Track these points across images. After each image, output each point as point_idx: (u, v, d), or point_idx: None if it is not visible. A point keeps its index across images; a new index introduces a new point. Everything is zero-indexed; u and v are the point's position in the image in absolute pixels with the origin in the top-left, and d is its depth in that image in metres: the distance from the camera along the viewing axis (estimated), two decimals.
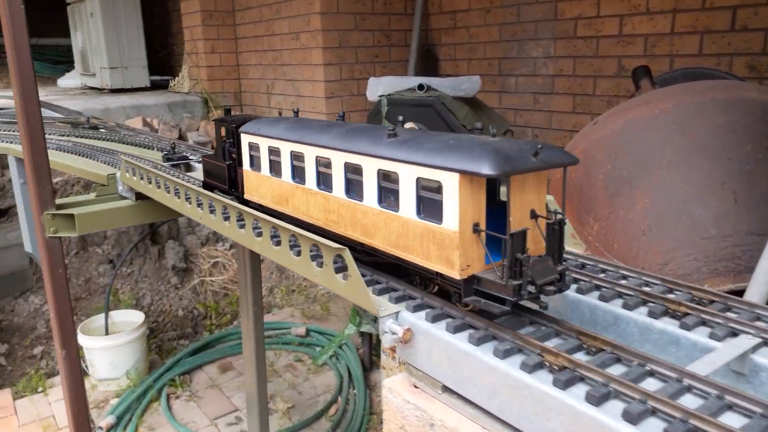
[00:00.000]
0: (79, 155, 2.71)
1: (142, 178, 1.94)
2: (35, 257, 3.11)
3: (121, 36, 6.76)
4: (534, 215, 0.95)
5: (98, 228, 2.02)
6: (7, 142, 3.03)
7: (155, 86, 7.22)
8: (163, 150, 2.62)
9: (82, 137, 3.37)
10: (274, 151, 1.28)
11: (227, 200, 1.44)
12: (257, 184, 1.38)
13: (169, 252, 5.08)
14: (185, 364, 4.14)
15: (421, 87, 3.66)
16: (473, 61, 5.10)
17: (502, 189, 1.01)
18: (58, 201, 1.98)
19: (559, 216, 0.93)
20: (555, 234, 0.93)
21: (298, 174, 1.22)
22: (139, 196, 2.05)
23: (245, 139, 1.39)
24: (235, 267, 5.04)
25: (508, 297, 0.90)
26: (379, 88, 3.90)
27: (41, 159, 1.88)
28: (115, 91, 6.84)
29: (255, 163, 1.38)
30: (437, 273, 1.00)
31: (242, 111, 6.27)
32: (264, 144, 1.30)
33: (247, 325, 2.36)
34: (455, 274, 0.93)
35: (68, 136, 3.36)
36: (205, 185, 1.73)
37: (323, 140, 1.13)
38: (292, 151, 1.21)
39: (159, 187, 1.84)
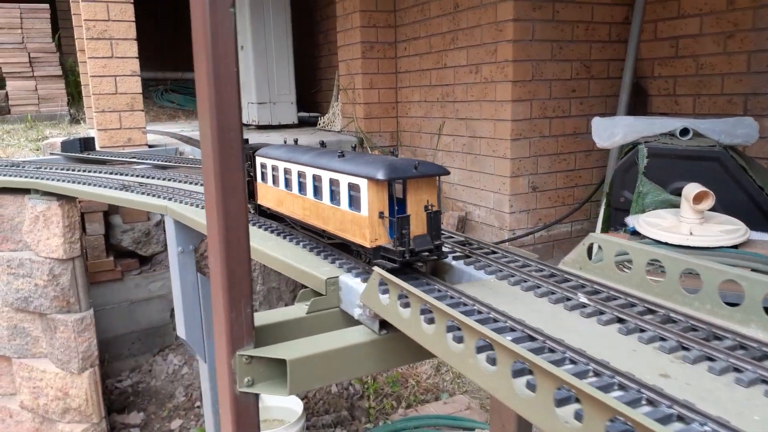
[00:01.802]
0: (285, 236, 1.78)
1: (405, 304, 1.15)
2: (191, 349, 2.44)
3: (271, 70, 6.36)
4: (426, 208, 1.34)
5: (321, 383, 1.22)
6: (162, 197, 2.41)
7: (302, 123, 6.75)
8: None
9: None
10: (275, 168, 1.80)
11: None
12: (265, 192, 1.91)
13: None
14: None
15: (684, 131, 2.68)
16: (702, 97, 4.03)
17: (399, 189, 1.36)
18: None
19: (435, 209, 1.34)
20: (431, 219, 1.34)
21: (288, 184, 1.73)
22: (383, 325, 1.26)
23: (258, 160, 1.90)
24: None
25: (396, 258, 1.30)
26: (615, 131, 2.96)
27: (242, 269, 1.14)
28: (262, 127, 6.43)
29: (264, 177, 1.89)
30: (360, 245, 1.39)
31: (400, 153, 5.55)
32: (269, 163, 1.83)
33: None
34: (367, 244, 1.34)
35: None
36: None
37: (302, 160, 1.61)
38: (284, 168, 1.73)
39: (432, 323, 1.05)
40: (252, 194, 1.98)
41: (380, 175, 1.26)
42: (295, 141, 1.95)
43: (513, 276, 1.32)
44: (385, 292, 1.17)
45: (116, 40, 4.34)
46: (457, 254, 1.50)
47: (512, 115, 4.18)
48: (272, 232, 1.86)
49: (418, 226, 1.32)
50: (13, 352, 3.38)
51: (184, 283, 2.34)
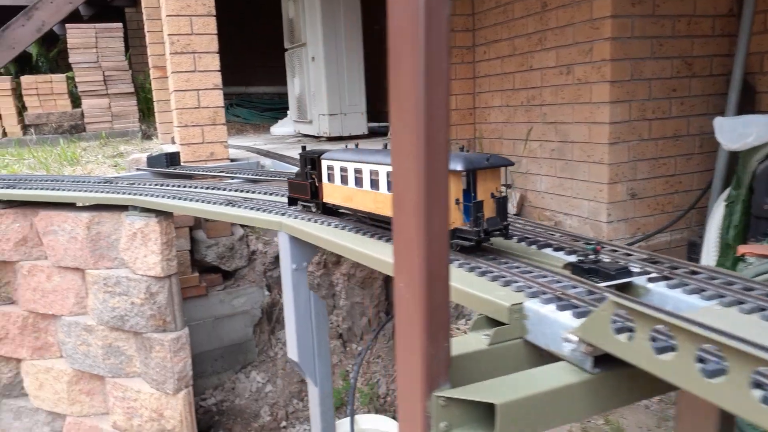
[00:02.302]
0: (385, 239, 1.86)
1: (629, 336, 0.96)
2: (301, 371, 2.30)
3: (342, 81, 6.27)
4: (492, 195, 1.53)
5: (531, 431, 1.04)
6: (274, 213, 2.28)
7: (372, 133, 6.63)
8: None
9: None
10: (343, 169, 1.96)
11: None
12: (332, 191, 2.08)
13: None
14: None
15: None
16: None
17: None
18: None
19: (503, 194, 1.55)
20: (499, 204, 1.54)
21: (358, 182, 1.88)
22: (598, 361, 1.07)
23: (325, 163, 2.09)
24: None
25: (472, 237, 1.51)
26: (747, 131, 2.68)
27: (442, 294, 0.96)
28: (333, 139, 6.33)
29: (331, 178, 2.06)
30: None
31: None
32: (337, 165, 2.01)
33: None
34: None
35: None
36: (291, 199, 2.37)
37: (373, 159, 1.79)
38: (354, 168, 1.89)
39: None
40: (315, 195, 2.20)
41: (459, 167, 1.45)
42: (356, 145, 2.23)
43: (744, 303, 1.11)
44: (626, 329, 0.97)
45: (199, 53, 4.32)
46: (653, 275, 1.29)
47: (610, 117, 3.92)
48: (379, 238, 1.89)
49: (488, 210, 1.53)
50: (108, 372, 3.33)
51: (297, 302, 2.20)
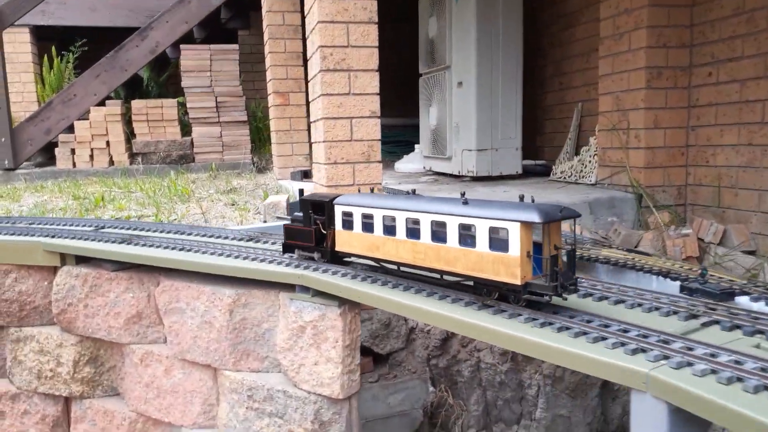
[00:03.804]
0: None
1: None
2: None
3: (496, 110, 5.22)
4: (556, 248, 1.45)
5: None
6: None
7: (527, 173, 5.52)
8: None
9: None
10: (367, 216, 1.85)
11: None
12: (349, 239, 1.95)
13: None
14: None
15: None
16: None
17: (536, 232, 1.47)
18: None
19: (574, 247, 1.52)
20: (571, 257, 1.50)
21: (389, 230, 1.78)
22: None
23: (339, 209, 1.97)
24: None
25: (548, 293, 1.45)
26: None
27: None
28: (479, 179, 5.27)
29: (349, 225, 1.94)
30: (505, 283, 1.51)
31: (691, 213, 4.10)
32: (357, 211, 1.89)
33: None
34: (518, 282, 1.46)
35: None
36: (286, 246, 2.23)
37: (413, 207, 1.72)
38: (384, 215, 1.79)
39: None
40: (320, 242, 2.08)
41: (537, 218, 1.41)
42: (371, 190, 2.29)
43: None
44: None
45: (355, 71, 3.38)
46: None
47: None
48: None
49: (560, 263, 1.47)
50: None
51: None
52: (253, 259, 2.14)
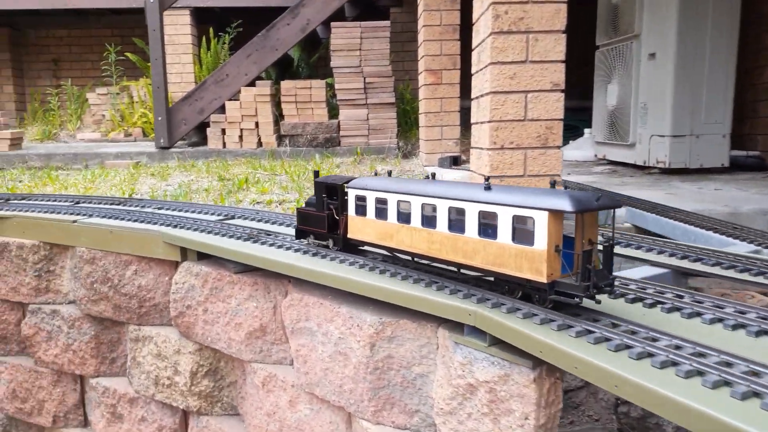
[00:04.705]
0: None
1: None
2: None
3: (700, 89, 4.21)
4: (590, 242, 1.27)
5: None
6: None
7: (735, 166, 4.44)
8: None
9: None
10: (381, 201, 1.66)
11: None
12: (362, 226, 1.75)
13: None
14: None
15: None
16: None
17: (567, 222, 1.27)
18: None
19: (611, 242, 1.27)
20: (608, 253, 1.27)
21: (403, 216, 1.60)
22: None
23: (353, 192, 1.79)
24: None
25: (580, 294, 1.24)
26: None
27: None
28: (670, 171, 4.30)
29: (362, 210, 1.75)
30: (529, 280, 1.32)
31: None
32: (370, 195, 1.70)
33: None
34: (543, 280, 1.26)
35: None
36: (299, 231, 2.04)
37: (429, 191, 1.52)
38: (398, 200, 1.60)
39: None
40: (333, 228, 1.91)
41: (568, 207, 1.20)
42: (389, 173, 2.04)
43: None
44: None
45: (535, 33, 2.68)
46: None
47: None
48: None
49: (595, 260, 1.29)
50: None
51: None
52: (403, 278, 1.57)
